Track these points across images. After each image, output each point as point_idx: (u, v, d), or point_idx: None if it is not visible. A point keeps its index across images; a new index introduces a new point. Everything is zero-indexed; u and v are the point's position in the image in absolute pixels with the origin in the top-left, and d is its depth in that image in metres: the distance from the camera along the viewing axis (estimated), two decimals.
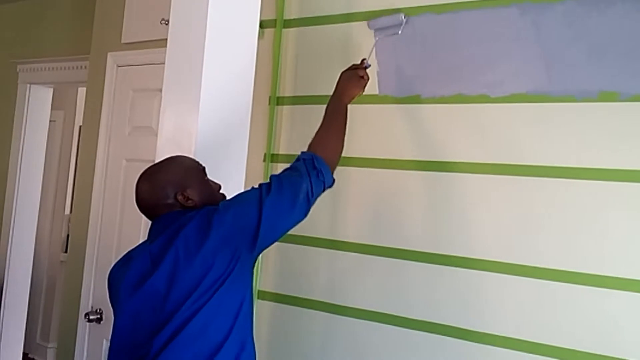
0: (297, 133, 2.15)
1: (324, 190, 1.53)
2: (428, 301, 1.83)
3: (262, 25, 2.22)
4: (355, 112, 1.99)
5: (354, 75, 1.75)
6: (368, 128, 1.98)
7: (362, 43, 1.99)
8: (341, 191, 2.00)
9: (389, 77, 1.94)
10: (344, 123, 1.67)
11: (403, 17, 1.85)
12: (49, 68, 3.59)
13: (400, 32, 1.86)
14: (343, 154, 2.02)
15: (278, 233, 1.46)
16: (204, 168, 1.56)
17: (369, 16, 1.98)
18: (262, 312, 2.13)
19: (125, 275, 1.43)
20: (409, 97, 1.90)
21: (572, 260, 1.63)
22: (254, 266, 1.47)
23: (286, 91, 2.19)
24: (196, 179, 1.51)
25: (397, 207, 1.92)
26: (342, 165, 2.00)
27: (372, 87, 1.95)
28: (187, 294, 1.35)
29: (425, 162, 1.87)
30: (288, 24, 2.20)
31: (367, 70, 1.79)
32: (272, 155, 2.18)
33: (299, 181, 1.47)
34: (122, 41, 2.79)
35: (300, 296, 2.06)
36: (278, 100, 2.19)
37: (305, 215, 1.48)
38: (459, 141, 1.82)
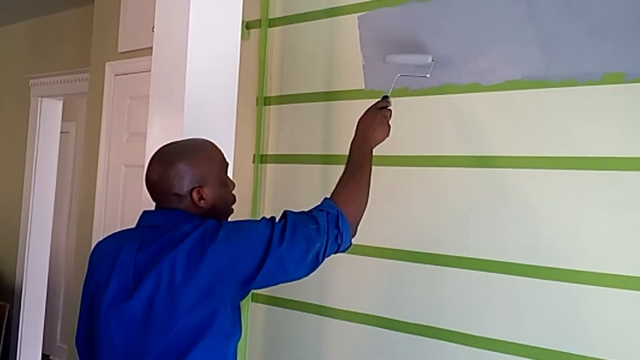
0: (285, 133, 1.89)
1: (336, 252, 1.19)
2: (423, 303, 1.56)
3: (248, 26, 1.98)
4: (342, 108, 1.74)
5: (379, 116, 1.38)
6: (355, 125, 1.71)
7: (347, 36, 1.73)
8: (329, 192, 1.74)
9: (375, 71, 1.67)
10: (370, 173, 1.31)
11: (430, 60, 1.48)
12: (58, 81, 3.43)
13: (429, 75, 1.48)
14: (330, 153, 1.77)
15: (271, 284, 1.16)
16: (227, 164, 1.24)
17: (353, 9, 1.72)
18: (256, 315, 1.89)
19: (108, 286, 1.13)
20: (396, 90, 1.62)
21: (584, 260, 1.35)
22: (239, 303, 1.16)
23: (273, 91, 1.93)
24: (217, 177, 1.19)
25: (388, 205, 1.64)
26: (329, 164, 1.74)
27: (358, 83, 1.69)
28: (163, 337, 1.07)
29: (414, 157, 1.60)
30: (273, 23, 1.94)
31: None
32: (262, 156, 1.92)
33: (315, 238, 1.14)
34: (119, 50, 2.58)
35: (294, 299, 1.81)
36: (265, 101, 1.94)
37: (307, 275, 1.16)
38: (449, 134, 1.55)
